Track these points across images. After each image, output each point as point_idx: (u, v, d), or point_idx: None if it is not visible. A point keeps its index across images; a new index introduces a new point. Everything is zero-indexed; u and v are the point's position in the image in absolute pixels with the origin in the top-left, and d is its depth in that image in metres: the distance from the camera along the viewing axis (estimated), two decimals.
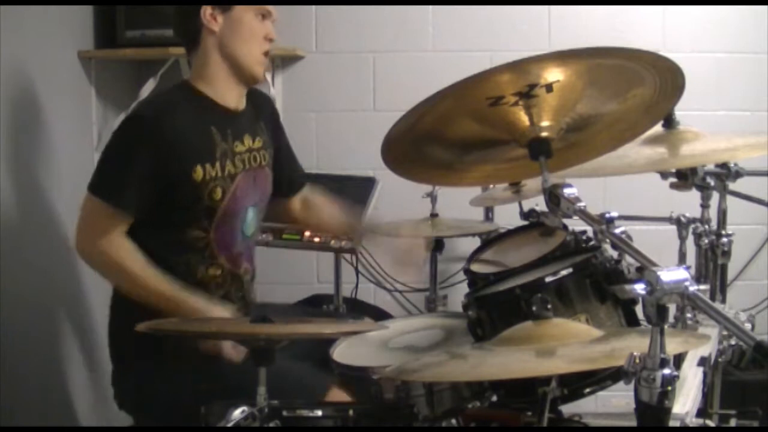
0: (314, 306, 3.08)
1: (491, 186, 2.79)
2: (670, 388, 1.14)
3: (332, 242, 2.70)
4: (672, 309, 1.18)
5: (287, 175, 2.33)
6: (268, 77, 3.11)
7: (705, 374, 1.79)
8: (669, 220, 2.27)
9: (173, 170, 1.97)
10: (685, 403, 1.63)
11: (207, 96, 2.07)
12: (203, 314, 1.92)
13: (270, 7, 2.11)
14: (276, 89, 3.25)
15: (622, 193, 2.96)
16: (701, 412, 1.85)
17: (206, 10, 2.04)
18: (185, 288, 1.96)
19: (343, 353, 1.90)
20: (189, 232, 2.01)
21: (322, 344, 1.96)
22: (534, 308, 1.46)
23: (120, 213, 1.96)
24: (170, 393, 1.94)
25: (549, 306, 1.46)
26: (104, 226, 1.96)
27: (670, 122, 1.97)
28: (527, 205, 2.46)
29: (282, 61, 3.30)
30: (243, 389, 1.43)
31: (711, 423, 2.06)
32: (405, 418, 1.59)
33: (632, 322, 1.70)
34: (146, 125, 1.97)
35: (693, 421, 1.64)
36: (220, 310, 1.96)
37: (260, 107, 2.24)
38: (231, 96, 2.10)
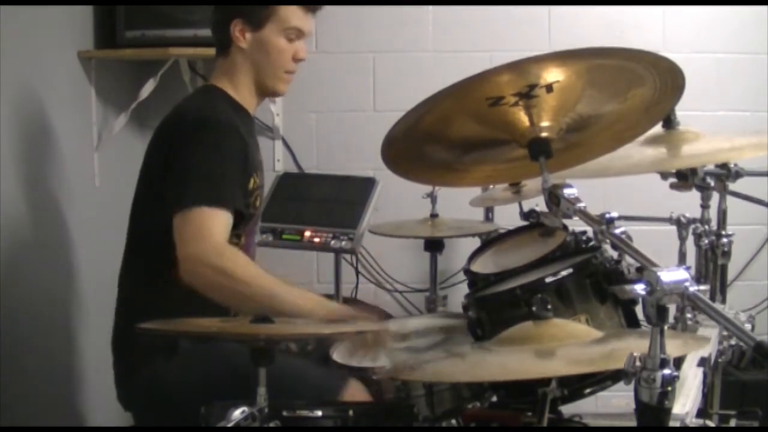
0: None
1: (491, 186, 2.79)
2: (670, 388, 1.14)
3: (332, 242, 2.70)
4: (672, 309, 1.18)
5: None
6: None
7: (705, 374, 1.79)
8: (669, 220, 2.27)
9: (243, 176, 1.98)
10: (685, 403, 1.63)
11: (239, 103, 2.08)
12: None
13: (305, 27, 2.09)
14: None
15: (622, 193, 2.96)
16: (701, 413, 1.85)
17: (236, 26, 2.04)
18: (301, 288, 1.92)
19: (343, 353, 1.90)
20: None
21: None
22: (534, 308, 1.46)
23: (230, 219, 1.90)
24: (179, 393, 1.93)
25: (549, 306, 1.46)
26: (224, 234, 1.88)
27: (670, 122, 1.97)
28: (527, 205, 2.46)
29: None
30: (248, 389, 1.43)
31: (711, 423, 2.06)
32: (405, 418, 1.59)
33: (632, 322, 1.70)
34: (227, 129, 1.96)
35: (693, 422, 1.64)
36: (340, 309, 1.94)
37: None
38: (252, 104, 2.13)
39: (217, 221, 1.87)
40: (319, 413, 1.51)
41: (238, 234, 2.02)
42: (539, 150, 1.49)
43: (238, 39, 2.05)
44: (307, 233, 2.73)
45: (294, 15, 2.07)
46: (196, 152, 1.92)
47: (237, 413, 1.38)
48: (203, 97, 2.11)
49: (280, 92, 2.16)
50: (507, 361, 1.43)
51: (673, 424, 1.31)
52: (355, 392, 1.86)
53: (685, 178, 2.10)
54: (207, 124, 1.96)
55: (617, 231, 1.34)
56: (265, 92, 2.14)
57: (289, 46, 2.08)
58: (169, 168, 1.94)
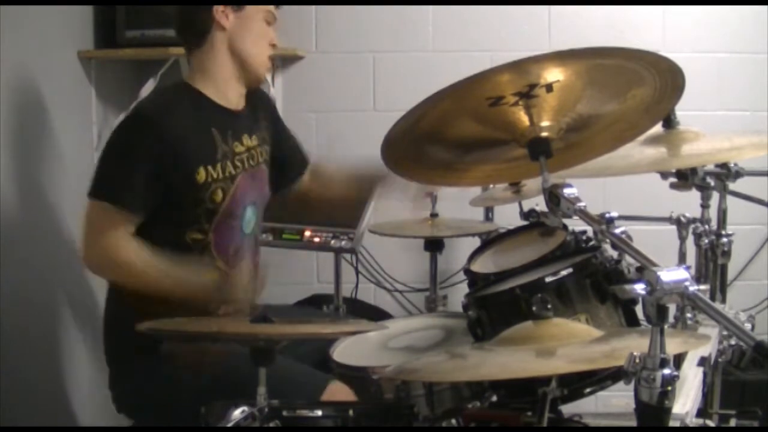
0: (314, 306, 3.08)
1: (491, 186, 2.79)
2: (670, 388, 1.14)
3: (332, 242, 2.70)
4: (672, 309, 1.18)
5: (289, 159, 2.34)
6: (268, 77, 3.10)
7: (705, 374, 1.79)
8: (669, 220, 2.26)
9: (175, 171, 1.96)
10: (685, 403, 1.63)
11: (207, 96, 2.07)
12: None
13: (275, 12, 2.13)
14: (276, 89, 3.25)
15: (622, 193, 2.96)
16: (701, 412, 1.85)
17: (218, 9, 2.06)
18: (193, 271, 1.94)
19: (343, 353, 1.90)
20: (188, 235, 2.00)
21: (321, 346, 1.96)
22: (534, 308, 1.46)
23: (127, 215, 1.93)
24: (169, 394, 1.93)
25: (549, 306, 1.46)
26: (112, 231, 1.92)
27: (670, 122, 1.97)
28: (527, 205, 2.46)
29: (282, 61, 3.30)
30: (243, 389, 1.43)
31: (711, 423, 2.05)
32: (405, 418, 1.58)
33: (632, 322, 1.70)
34: (147, 124, 1.96)
35: (693, 421, 1.64)
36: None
37: (258, 105, 2.24)
38: (232, 95, 2.11)
39: (112, 219, 1.92)
40: (319, 413, 1.51)
41: (204, 230, 2.01)
42: (539, 150, 1.49)
43: (221, 18, 2.05)
44: (307, 233, 2.73)
45: None
46: (110, 146, 2.00)
47: (237, 413, 1.38)
48: (160, 92, 2.15)
49: (262, 77, 2.18)
50: (507, 361, 1.43)
51: (673, 424, 1.31)
52: (338, 391, 1.85)
53: (685, 178, 2.10)
54: (133, 119, 2.00)
55: (617, 231, 1.34)
56: (246, 76, 2.12)
57: (267, 29, 2.11)
58: None
